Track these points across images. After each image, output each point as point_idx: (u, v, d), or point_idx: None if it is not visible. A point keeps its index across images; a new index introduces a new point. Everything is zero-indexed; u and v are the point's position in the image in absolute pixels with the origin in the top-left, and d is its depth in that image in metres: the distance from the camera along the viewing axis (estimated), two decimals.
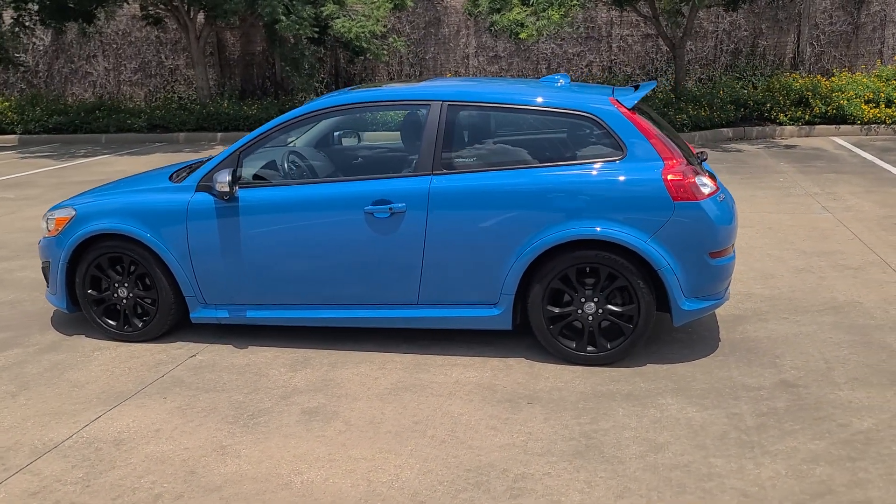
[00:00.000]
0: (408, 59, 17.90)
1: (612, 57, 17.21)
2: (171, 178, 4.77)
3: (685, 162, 4.11)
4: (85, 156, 13.67)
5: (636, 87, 4.67)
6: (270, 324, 4.60)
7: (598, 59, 17.29)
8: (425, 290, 4.30)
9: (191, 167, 4.87)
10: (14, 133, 16.49)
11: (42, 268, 4.96)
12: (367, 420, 3.66)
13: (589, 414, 3.67)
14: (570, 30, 13.13)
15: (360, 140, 5.67)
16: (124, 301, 4.70)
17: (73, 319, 5.09)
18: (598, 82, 15.57)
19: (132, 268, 4.65)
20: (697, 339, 4.54)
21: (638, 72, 17.00)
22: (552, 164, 4.18)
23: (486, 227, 4.15)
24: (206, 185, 4.45)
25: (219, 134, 15.20)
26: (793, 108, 13.14)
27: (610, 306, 4.14)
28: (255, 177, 4.54)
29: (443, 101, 4.33)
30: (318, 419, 3.68)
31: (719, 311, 4.96)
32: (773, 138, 12.99)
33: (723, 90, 13.81)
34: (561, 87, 4.58)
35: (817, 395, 3.79)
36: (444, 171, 4.24)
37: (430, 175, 4.24)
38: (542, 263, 4.17)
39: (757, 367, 4.14)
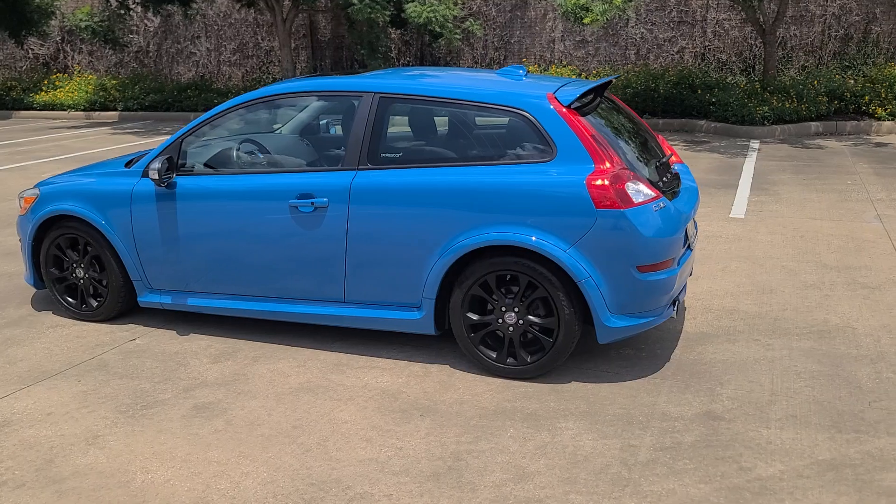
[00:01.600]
0: (493, 42, 17.61)
1: (707, 43, 16.25)
2: (128, 163, 4.85)
3: (620, 166, 3.76)
4: (168, 133, 14.30)
5: (604, 85, 4.33)
6: (209, 313, 4.61)
7: (690, 45, 16.38)
8: (350, 289, 4.17)
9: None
10: (116, 110, 17.51)
11: (20, 245, 5.19)
12: (248, 420, 3.58)
13: (475, 432, 3.44)
14: (632, 14, 12.45)
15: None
16: (81, 281, 4.84)
17: (49, 297, 5.29)
18: (689, 70, 14.74)
19: (87, 249, 4.77)
20: (645, 358, 4.18)
21: (734, 59, 15.98)
22: (478, 163, 3.93)
23: (406, 226, 3.96)
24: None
25: None
26: (894, 102, 11.97)
27: (531, 317, 3.87)
28: (207, 165, 4.53)
29: (375, 92, 4.16)
30: (204, 416, 3.64)
31: (686, 328, 4.56)
32: (867, 134, 11.89)
33: (816, 80, 12.75)
34: (504, 81, 4.29)
35: (736, 432, 3.39)
36: (370, 166, 4.08)
37: (355, 170, 4.09)
38: (463, 268, 3.95)
39: (691, 394, 3.76)
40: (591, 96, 4.20)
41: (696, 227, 4.67)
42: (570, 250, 3.71)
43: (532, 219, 3.75)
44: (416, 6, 13.60)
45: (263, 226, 4.24)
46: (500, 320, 3.93)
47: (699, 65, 15.96)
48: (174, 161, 4.42)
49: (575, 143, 3.79)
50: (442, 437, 3.40)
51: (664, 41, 16.50)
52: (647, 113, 13.61)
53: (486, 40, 17.56)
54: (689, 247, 4.20)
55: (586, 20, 10.93)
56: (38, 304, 5.20)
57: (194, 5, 17.54)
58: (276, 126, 5.18)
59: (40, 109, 18.56)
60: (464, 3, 16.74)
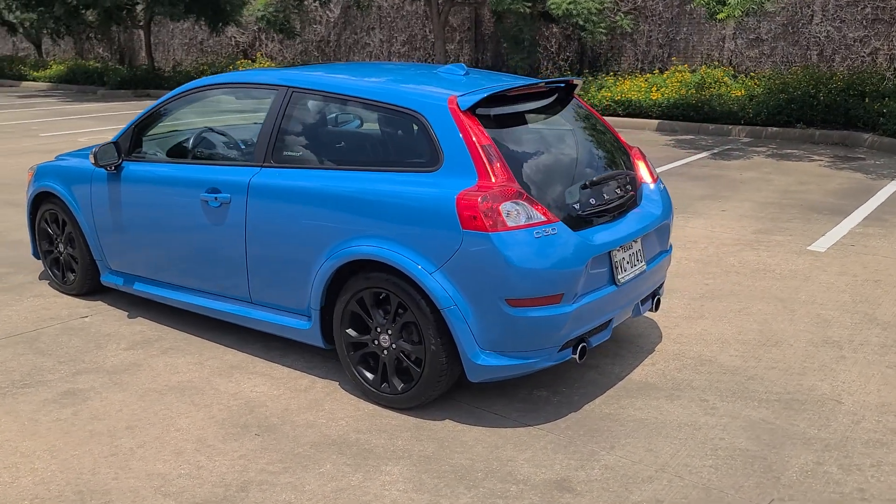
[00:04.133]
0: (657, 39, 16.52)
1: None
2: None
3: (505, 184, 3.25)
4: None
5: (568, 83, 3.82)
6: (150, 299, 4.65)
7: (885, 47, 14.32)
8: (254, 289, 4.01)
9: None
10: None
11: None
12: (94, 414, 3.54)
13: (290, 462, 3.14)
14: (773, 9, 10.99)
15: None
16: (61, 256, 5.09)
17: None
18: (861, 75, 12.89)
19: (64, 226, 5.00)
20: (553, 404, 3.63)
21: None
22: (367, 168, 3.58)
23: (295, 231, 3.72)
24: None
25: None
26: None
27: (403, 343, 3.48)
28: (149, 152, 4.56)
29: (288, 86, 3.94)
30: (62, 403, 3.65)
31: (633, 376, 3.91)
32: None
33: None
34: (423, 79, 3.89)
35: None
36: (273, 164, 3.87)
37: (259, 167, 3.91)
38: (345, 280, 3.64)
39: (564, 454, 3.19)
40: (529, 102, 3.69)
41: (661, 257, 3.98)
42: (436, 273, 3.28)
43: (403, 235, 3.36)
44: None
45: (182, 217, 4.19)
46: (376, 342, 3.58)
47: (894, 70, 13.90)
48: (122, 146, 4.48)
49: (463, 154, 3.34)
50: (252, 461, 3.15)
51: (854, 41, 14.56)
52: (803, 122, 12.07)
53: (651, 36, 16.51)
54: (619, 281, 3.57)
55: (721, 15, 9.83)
56: (45, 276, 5.55)
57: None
58: (230, 116, 5.11)
59: None
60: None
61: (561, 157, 3.60)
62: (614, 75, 15.68)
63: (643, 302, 3.91)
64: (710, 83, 13.38)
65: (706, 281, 5.31)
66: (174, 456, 3.19)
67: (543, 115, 3.86)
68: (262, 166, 3.89)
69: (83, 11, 20.27)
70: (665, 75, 14.35)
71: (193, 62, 23.75)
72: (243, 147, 4.35)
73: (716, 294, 5.05)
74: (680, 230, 6.60)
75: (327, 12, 21.61)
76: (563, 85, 4.01)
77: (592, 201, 3.54)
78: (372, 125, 3.78)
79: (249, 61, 22.04)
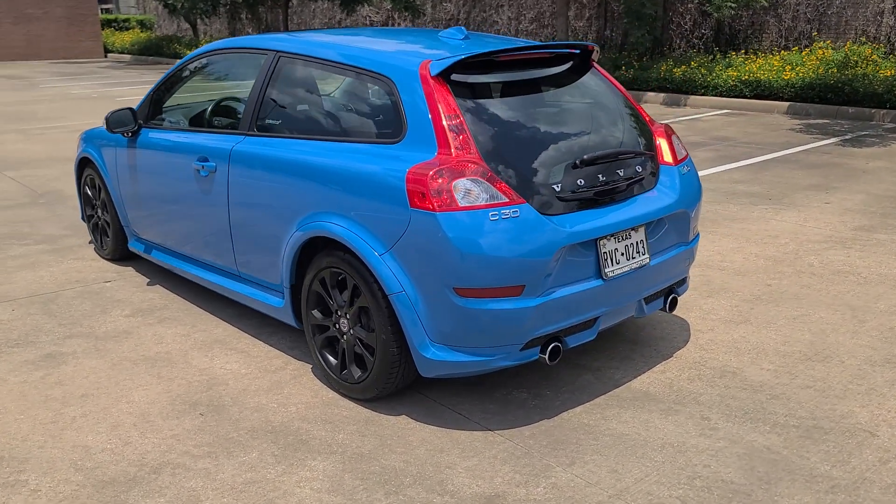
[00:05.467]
0: (804, 14, 15.08)
1: None
2: None
3: (464, 158, 2.88)
4: None
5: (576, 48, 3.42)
6: (164, 267, 4.63)
7: None
8: (239, 262, 3.86)
9: None
10: None
11: None
12: (60, 379, 3.51)
13: (219, 446, 2.95)
14: None
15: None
16: (100, 221, 5.19)
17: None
18: None
19: (100, 192, 5.09)
20: (529, 408, 3.24)
21: None
22: (335, 138, 3.32)
23: (266, 203, 3.52)
24: None
25: None
26: None
27: (360, 329, 3.21)
28: (163, 119, 4.52)
29: (276, 51, 3.73)
30: (39, 365, 3.66)
31: (635, 384, 3.43)
32: None
33: None
34: (412, 41, 3.56)
35: None
36: (256, 132, 3.69)
37: (243, 135, 3.74)
38: (310, 258, 3.41)
39: (513, 466, 2.81)
40: (531, 70, 3.31)
41: (677, 250, 3.46)
42: (385, 255, 2.97)
43: (358, 212, 3.07)
44: None
45: (180, 185, 4.11)
46: (337, 325, 3.33)
47: None
48: (141, 112, 4.47)
49: (425, 124, 3.00)
50: (181, 442, 2.99)
51: None
52: None
53: (798, 10, 15.09)
54: (607, 274, 3.11)
55: None
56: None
57: None
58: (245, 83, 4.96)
59: None
60: None
61: (553, 133, 3.16)
62: (750, 53, 14.45)
63: (649, 300, 3.42)
64: (856, 62, 12.00)
65: (770, 281, 4.65)
66: (109, 429, 3.09)
67: (547, 85, 3.43)
68: (245, 135, 3.73)
69: None
70: (803, 53, 13.05)
71: None
72: (239, 115, 4.20)
73: (775, 296, 4.40)
74: (764, 223, 5.87)
75: None
76: (577, 52, 3.56)
77: (580, 182, 3.09)
78: (349, 92, 3.51)
79: None
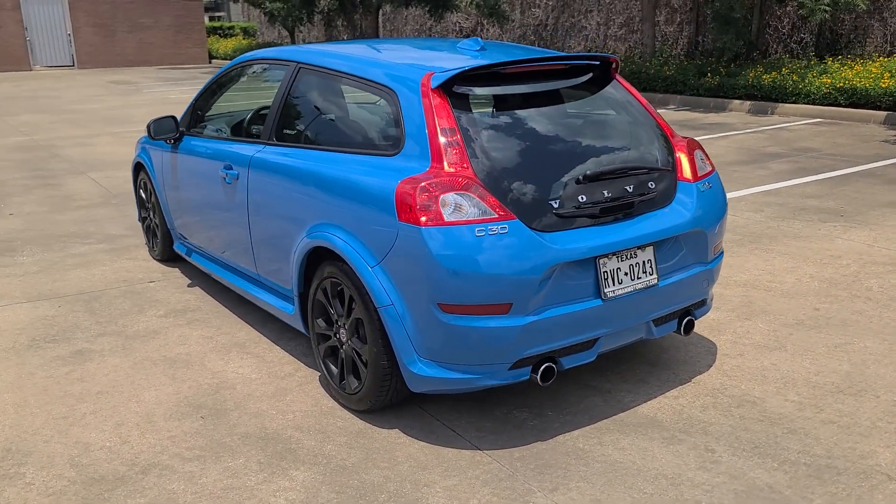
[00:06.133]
0: None
1: None
2: None
3: (456, 173, 2.84)
4: None
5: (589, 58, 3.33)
6: (202, 270, 4.77)
7: None
8: (259, 268, 3.94)
9: None
10: None
11: None
12: (84, 375, 3.67)
13: (210, 450, 3.01)
14: None
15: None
16: (151, 223, 5.40)
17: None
18: None
19: (152, 195, 5.30)
20: (530, 428, 3.15)
21: None
22: (344, 150, 3.33)
23: (281, 211, 3.57)
24: None
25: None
26: None
27: (357, 340, 3.21)
28: (217, 128, 4.65)
29: (297, 62, 3.79)
30: (67, 361, 3.83)
31: (642, 409, 3.29)
32: None
33: None
34: (426, 52, 3.53)
35: None
36: (275, 141, 3.75)
37: (263, 144, 3.82)
38: (317, 267, 3.44)
39: (492, 490, 2.73)
40: (545, 82, 3.24)
41: (693, 270, 3.30)
42: (376, 268, 2.96)
43: (354, 223, 3.08)
44: None
45: (210, 191, 4.23)
46: (337, 335, 3.34)
47: None
48: (185, 119, 4.63)
49: (421, 137, 2.97)
50: (176, 444, 3.06)
51: None
52: None
53: None
54: (606, 294, 2.99)
55: None
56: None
57: None
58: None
59: None
60: None
61: (558, 147, 3.07)
62: (848, 59, 13.68)
63: (659, 323, 3.26)
64: None
65: (819, 305, 4.37)
66: (113, 427, 3.20)
67: (559, 98, 3.33)
68: (266, 144, 3.80)
69: (318, 1, 21.74)
70: None
71: None
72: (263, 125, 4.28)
73: (820, 322, 4.13)
74: (828, 241, 5.53)
75: None
76: (597, 63, 3.45)
77: (582, 199, 2.99)
78: (357, 103, 3.51)
79: None
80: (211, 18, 47.67)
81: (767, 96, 12.94)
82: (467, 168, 2.86)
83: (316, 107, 3.67)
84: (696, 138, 10.25)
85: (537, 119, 3.15)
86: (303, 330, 3.62)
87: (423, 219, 2.76)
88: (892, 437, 3.02)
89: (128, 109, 14.89)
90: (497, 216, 2.79)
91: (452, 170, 2.86)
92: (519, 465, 2.89)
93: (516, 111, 3.14)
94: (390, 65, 3.30)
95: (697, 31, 17.60)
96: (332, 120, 3.59)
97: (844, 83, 11.82)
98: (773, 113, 12.58)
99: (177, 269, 5.22)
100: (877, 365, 3.62)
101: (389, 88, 3.17)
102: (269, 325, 4.22)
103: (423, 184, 2.80)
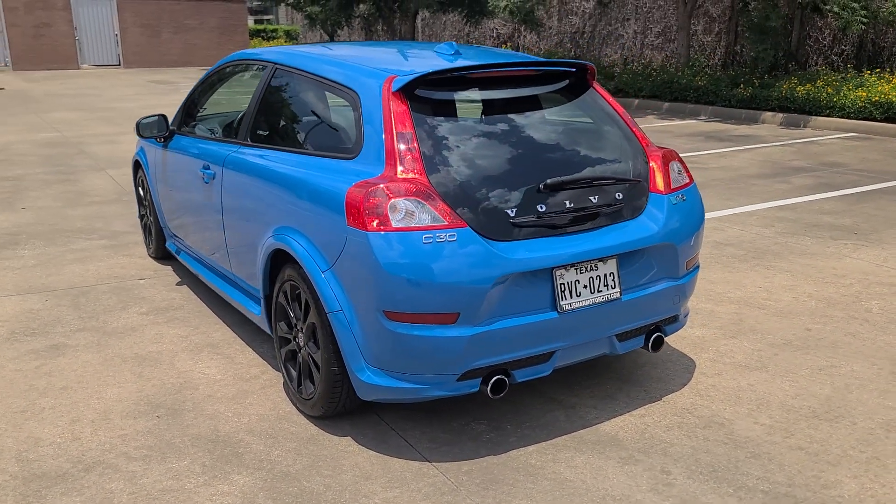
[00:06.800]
0: None
1: None
2: None
3: (408, 179, 2.78)
4: None
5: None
6: (188, 268, 4.78)
7: None
8: (234, 268, 3.93)
9: None
10: None
11: None
12: (53, 370, 3.68)
13: (154, 451, 2.99)
14: None
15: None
16: (147, 221, 5.44)
17: None
18: None
19: (147, 194, 5.34)
20: (485, 441, 3.07)
21: None
22: (307, 151, 3.30)
23: (249, 212, 3.55)
24: None
25: (666, 104, 14.41)
26: None
27: (312, 344, 3.17)
28: (201, 128, 4.67)
29: (274, 63, 3.77)
30: (40, 355, 3.86)
31: (604, 427, 3.19)
32: None
33: None
34: (397, 54, 3.48)
35: None
36: (249, 142, 3.74)
37: (238, 144, 3.81)
38: (280, 270, 3.41)
39: (438, 499, 2.67)
40: (517, 88, 3.18)
41: (661, 285, 3.19)
42: (327, 272, 2.91)
43: (310, 227, 3.04)
44: None
45: (191, 189, 4.24)
46: (296, 339, 3.30)
47: None
48: (175, 119, 4.65)
49: (378, 140, 2.93)
50: (126, 442, 3.05)
51: None
52: None
53: None
54: (563, 307, 2.90)
55: None
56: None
57: None
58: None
59: None
60: None
61: (521, 155, 2.98)
62: (885, 72, 13.28)
63: (623, 338, 3.16)
64: None
65: (811, 325, 4.21)
66: (68, 423, 3.20)
67: (528, 105, 3.25)
68: (241, 144, 3.79)
69: (356, 6, 21.88)
70: None
71: None
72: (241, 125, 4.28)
73: (809, 343, 3.98)
74: (836, 260, 5.34)
75: (583, 3, 21.06)
76: (573, 70, 3.37)
77: (541, 208, 2.90)
78: (324, 105, 3.47)
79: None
80: (259, 21, 48.36)
81: (801, 109, 12.63)
82: (421, 174, 2.80)
83: (286, 108, 3.65)
84: (720, 150, 10.05)
85: (503, 126, 3.08)
86: (269, 332, 3.59)
87: (371, 224, 2.71)
88: (862, 466, 2.87)
89: (161, 108, 15.13)
90: (446, 223, 2.73)
91: (406, 175, 2.80)
92: (465, 479, 2.81)
93: (481, 117, 3.08)
94: (356, 67, 3.25)
95: (736, 40, 17.28)
96: (300, 122, 3.57)
97: (880, 97, 11.47)
98: (805, 126, 12.27)
99: (169, 267, 5.25)
100: (860, 390, 3.46)
101: (352, 90, 3.13)
102: (246, 327, 4.21)
103: (372, 188, 2.75)
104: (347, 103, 3.20)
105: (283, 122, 3.62)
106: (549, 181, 2.93)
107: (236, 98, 4.88)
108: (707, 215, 6.61)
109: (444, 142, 2.91)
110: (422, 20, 27.70)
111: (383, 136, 2.90)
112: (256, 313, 3.64)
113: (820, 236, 5.95)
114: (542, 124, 3.19)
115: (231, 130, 4.40)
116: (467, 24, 22.95)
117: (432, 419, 3.22)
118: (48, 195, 7.50)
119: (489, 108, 3.13)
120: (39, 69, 28.24)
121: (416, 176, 2.80)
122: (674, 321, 3.35)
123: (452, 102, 3.07)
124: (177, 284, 4.90)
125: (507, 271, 2.75)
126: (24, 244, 5.80)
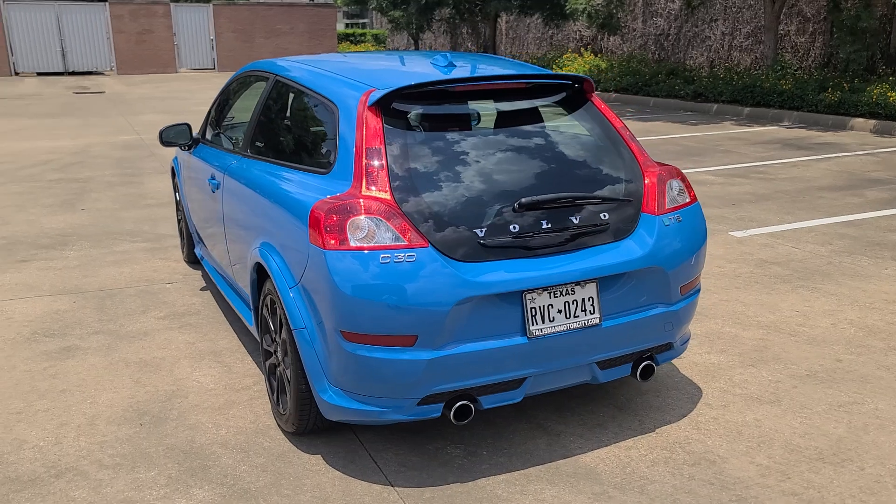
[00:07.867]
0: None
1: None
2: None
3: (372, 196, 2.71)
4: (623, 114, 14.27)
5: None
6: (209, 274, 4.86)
7: None
8: (235, 276, 3.95)
9: None
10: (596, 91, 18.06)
11: None
12: (58, 372, 3.80)
13: (129, 460, 3.03)
14: None
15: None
16: (181, 227, 5.57)
17: None
18: None
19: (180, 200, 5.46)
20: (455, 468, 2.97)
21: None
22: (291, 164, 3.27)
23: (242, 224, 3.57)
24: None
25: (746, 109, 13.80)
26: None
27: (288, 359, 3.13)
28: (222, 138, 4.73)
29: (275, 75, 3.77)
30: (52, 356, 3.98)
31: (585, 457, 3.03)
32: None
33: None
34: (390, 65, 3.41)
35: None
36: (249, 153, 3.76)
37: (240, 155, 3.83)
38: (264, 282, 3.40)
39: None
40: (510, 101, 3.10)
41: (648, 312, 3.00)
42: (294, 289, 2.88)
43: (282, 242, 3.01)
44: None
45: (204, 197, 4.31)
46: (276, 353, 3.28)
47: None
48: (203, 127, 4.74)
49: (349, 155, 2.87)
50: (102, 450, 3.10)
51: None
52: None
53: None
54: (532, 333, 2.76)
55: None
56: None
57: None
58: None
59: None
60: None
61: (499, 172, 2.86)
62: None
63: (606, 366, 2.99)
64: None
65: (843, 356, 3.89)
66: (56, 427, 3.28)
67: (517, 120, 3.13)
68: (242, 155, 3.81)
69: (437, 10, 21.98)
70: None
71: (543, 55, 24.31)
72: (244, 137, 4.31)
73: (835, 376, 3.68)
74: (889, 283, 4.94)
75: (669, 4, 20.46)
76: (570, 83, 3.23)
77: (514, 228, 2.78)
78: (312, 118, 3.43)
79: (576, 55, 21.83)
80: (352, 25, 49.32)
81: (893, 115, 11.84)
82: (386, 191, 2.73)
83: (279, 120, 3.64)
84: (795, 159, 9.53)
85: (483, 141, 2.97)
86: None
87: (329, 242, 2.65)
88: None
89: (246, 110, 15.57)
90: (406, 243, 2.64)
91: (371, 192, 2.73)
92: (411, 502, 2.72)
93: (461, 132, 2.97)
94: (341, 80, 3.21)
95: (831, 39, 16.38)
96: (289, 134, 3.55)
97: None
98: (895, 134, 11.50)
99: (198, 272, 5.36)
100: (878, 431, 3.17)
101: (333, 103, 3.09)
102: (251, 336, 4.23)
103: (331, 206, 2.70)
104: (327, 116, 3.16)
105: (275, 135, 3.61)
106: (523, 200, 2.79)
107: (241, 109, 4.95)
108: (758, 231, 6.25)
109: (417, 158, 2.82)
110: (506, 23, 27.56)
111: (353, 151, 2.84)
112: (250, 323, 3.64)
113: (880, 256, 5.52)
114: (528, 140, 3.06)
115: (238, 141, 4.45)
116: (549, 27, 22.67)
117: (407, 440, 3.14)
118: (108, 197, 7.81)
119: (471, 123, 3.03)
120: (141, 73, 29.62)
121: (382, 194, 2.72)
122: (668, 349, 3.15)
123: (432, 117, 2.97)
124: (200, 289, 4.99)
125: (469, 294, 2.64)
126: (73, 245, 6.04)
